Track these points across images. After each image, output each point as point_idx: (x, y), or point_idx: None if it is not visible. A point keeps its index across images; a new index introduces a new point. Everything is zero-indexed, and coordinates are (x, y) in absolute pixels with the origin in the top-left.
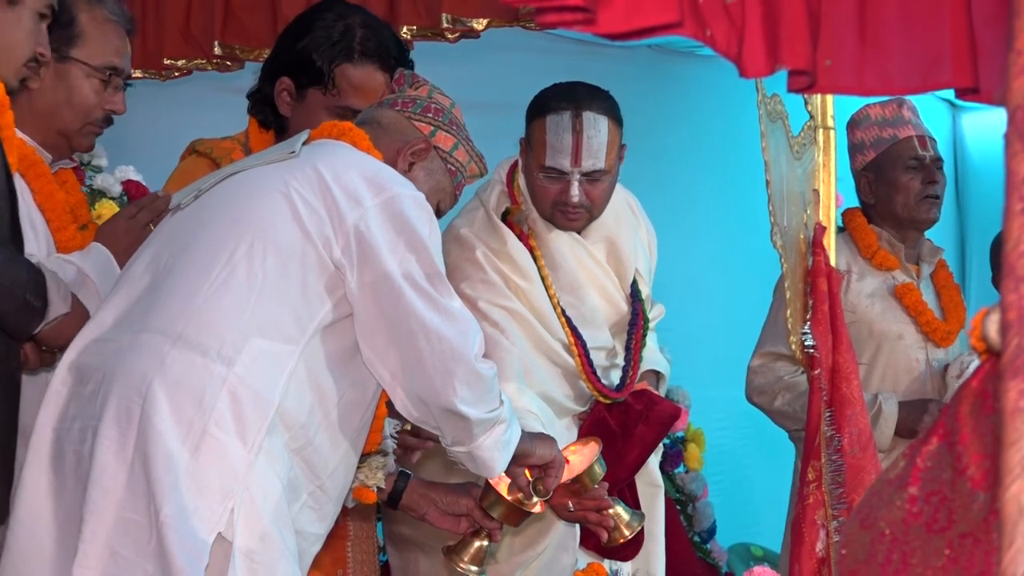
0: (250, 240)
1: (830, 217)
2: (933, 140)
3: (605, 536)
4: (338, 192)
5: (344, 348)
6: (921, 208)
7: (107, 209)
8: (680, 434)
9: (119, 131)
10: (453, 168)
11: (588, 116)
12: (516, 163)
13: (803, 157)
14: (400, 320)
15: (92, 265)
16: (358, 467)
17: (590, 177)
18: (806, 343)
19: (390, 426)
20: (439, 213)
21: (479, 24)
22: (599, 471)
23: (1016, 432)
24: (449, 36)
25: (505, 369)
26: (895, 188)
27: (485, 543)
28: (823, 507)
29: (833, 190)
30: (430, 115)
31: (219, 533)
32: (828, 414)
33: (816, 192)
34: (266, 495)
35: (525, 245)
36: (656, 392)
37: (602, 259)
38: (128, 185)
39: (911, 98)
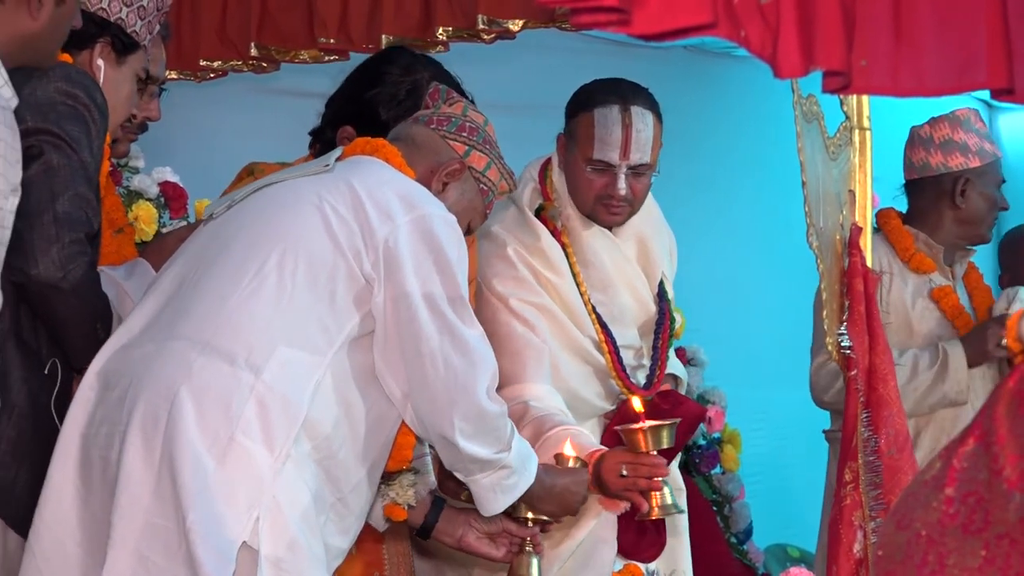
0: (281, 250)
1: (866, 218)
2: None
3: (645, 507)
4: (371, 207)
5: (372, 363)
6: (990, 227)
7: (144, 210)
8: (716, 435)
9: (155, 133)
10: (485, 188)
11: (636, 110)
12: (548, 161)
13: (839, 158)
14: (412, 339)
15: (135, 283)
16: (389, 484)
17: (635, 171)
18: (843, 344)
19: (425, 445)
20: (469, 231)
21: (515, 25)
22: (666, 440)
23: None
24: (485, 37)
25: (536, 370)
26: (989, 202)
27: (536, 558)
28: (860, 508)
29: (869, 191)
30: (464, 134)
31: (244, 542)
32: (865, 415)
33: (852, 193)
34: (293, 503)
35: (558, 241)
36: (680, 393)
37: (632, 257)
38: (165, 186)
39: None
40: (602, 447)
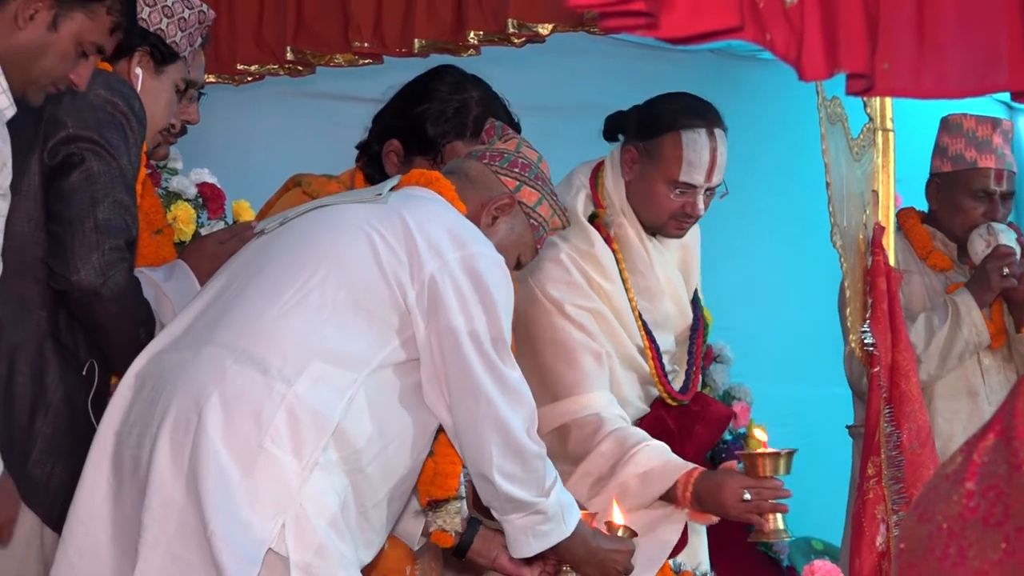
0: (326, 271)
1: (889, 218)
2: (1012, 173)
3: (768, 527)
4: (421, 241)
5: (410, 387)
6: (963, 231)
7: (182, 211)
8: (742, 430)
9: (194, 134)
10: (535, 223)
11: (719, 133)
12: (598, 166)
13: (862, 159)
14: (459, 375)
15: (174, 285)
16: (436, 512)
17: (709, 191)
18: (866, 341)
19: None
20: (519, 266)
21: (544, 29)
22: (783, 468)
23: None
24: (515, 41)
25: (597, 378)
26: (956, 209)
27: (573, 573)
28: (883, 502)
29: (892, 191)
30: (516, 170)
31: (271, 548)
32: (888, 411)
33: (875, 193)
34: (321, 510)
35: (609, 248)
36: (708, 396)
37: (676, 266)
38: (203, 187)
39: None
40: (697, 466)
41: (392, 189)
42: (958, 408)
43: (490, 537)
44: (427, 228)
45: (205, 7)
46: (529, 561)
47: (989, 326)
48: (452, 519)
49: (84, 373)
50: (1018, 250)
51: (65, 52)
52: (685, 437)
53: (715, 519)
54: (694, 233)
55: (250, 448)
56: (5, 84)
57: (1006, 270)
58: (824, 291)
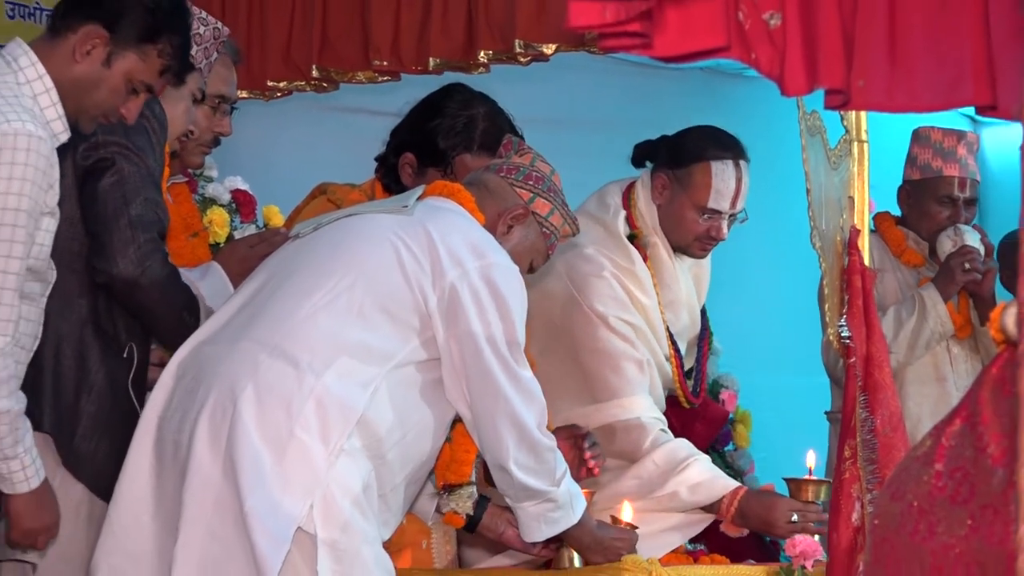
0: (354, 275)
1: (864, 221)
2: (975, 182)
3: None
4: (443, 251)
5: (429, 382)
6: (930, 234)
7: (217, 215)
8: (730, 416)
9: (228, 145)
10: (547, 231)
11: (743, 164)
12: (629, 187)
13: (839, 167)
14: (479, 375)
15: (208, 285)
16: (451, 495)
17: (733, 217)
18: (843, 334)
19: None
20: (531, 270)
21: (548, 49)
22: (824, 495)
23: None
24: (522, 60)
25: (638, 383)
26: (924, 214)
27: (576, 553)
28: (858, 481)
29: (867, 197)
30: (531, 183)
31: (300, 527)
32: (863, 398)
33: (851, 199)
34: (346, 491)
35: (645, 265)
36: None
37: (691, 280)
38: (236, 193)
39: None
40: (742, 485)
41: (418, 199)
42: (928, 392)
43: (498, 513)
44: (448, 239)
45: (219, 24)
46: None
47: (956, 318)
48: (464, 503)
49: (124, 356)
50: (982, 250)
51: (116, 88)
52: (686, 434)
53: (746, 532)
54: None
55: (282, 435)
56: (61, 111)
57: (967, 265)
58: (804, 288)
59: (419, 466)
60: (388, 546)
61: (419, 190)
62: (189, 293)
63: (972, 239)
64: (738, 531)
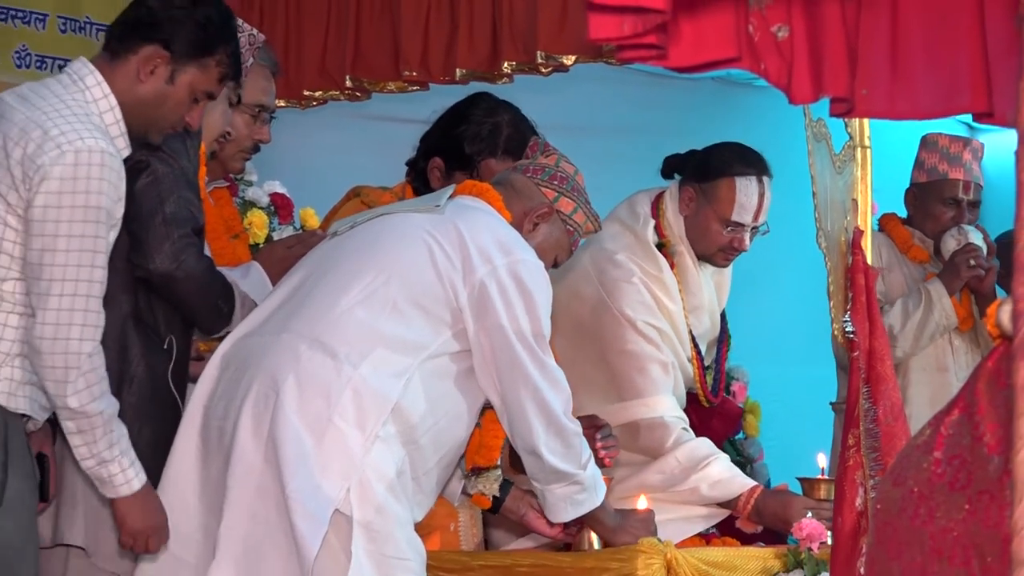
0: (389, 272)
1: (867, 223)
2: (979, 186)
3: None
4: (473, 249)
5: (462, 372)
6: (934, 234)
7: (257, 217)
8: (740, 405)
9: (266, 151)
10: (571, 228)
11: (766, 180)
12: (658, 198)
13: (844, 172)
14: (508, 366)
15: (249, 283)
16: (479, 478)
17: (755, 229)
18: (847, 329)
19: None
20: (555, 265)
21: (568, 60)
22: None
23: None
24: (543, 70)
25: (662, 383)
26: (929, 214)
27: (596, 535)
28: (861, 468)
29: (869, 199)
30: (555, 183)
31: (337, 509)
32: (866, 389)
33: (855, 201)
34: (381, 475)
35: (672, 274)
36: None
37: (713, 288)
38: (274, 197)
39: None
40: (758, 484)
41: (449, 198)
42: (929, 381)
43: (520, 497)
44: (478, 237)
45: (255, 31)
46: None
47: (959, 311)
48: (491, 485)
49: (165, 347)
50: (984, 248)
51: (181, 101)
52: (704, 428)
53: (760, 529)
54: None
55: (321, 422)
56: (124, 128)
57: (972, 262)
58: (810, 286)
59: (451, 451)
60: (418, 528)
61: (450, 189)
62: (224, 282)
63: (976, 238)
64: (753, 527)
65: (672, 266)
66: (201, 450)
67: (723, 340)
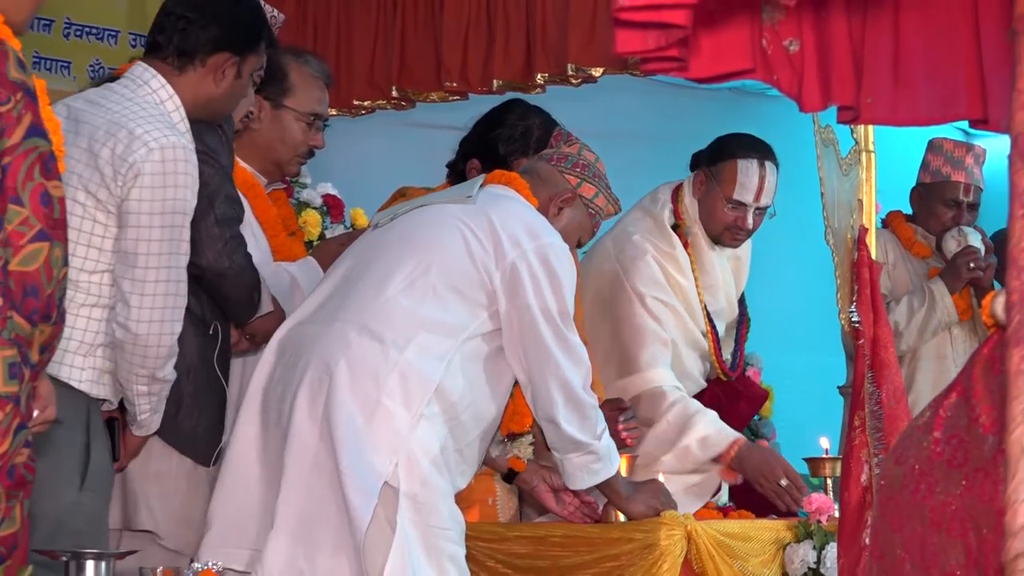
0: (428, 261)
1: (871, 221)
2: (979, 189)
3: (783, 509)
4: (503, 235)
5: (494, 350)
6: (936, 232)
7: (310, 217)
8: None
9: (320, 156)
10: (592, 212)
11: (768, 165)
12: (678, 188)
13: (850, 174)
14: (533, 342)
15: (306, 277)
16: (513, 443)
17: (759, 211)
18: (853, 319)
19: None
20: (579, 245)
21: (597, 71)
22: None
23: (1018, 389)
24: (573, 81)
25: (661, 358)
26: (932, 213)
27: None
28: (866, 447)
29: (874, 200)
30: (578, 170)
31: (386, 482)
32: (870, 374)
33: (860, 201)
34: (426, 451)
35: (685, 251)
36: (749, 378)
37: (729, 269)
38: (327, 198)
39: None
40: (742, 436)
41: (480, 186)
42: (932, 368)
43: (536, 470)
44: (507, 224)
45: (275, 11)
46: (560, 496)
47: (959, 303)
48: (525, 448)
49: (211, 333)
50: (982, 249)
51: (244, 88)
52: (730, 410)
53: (740, 479)
54: (746, 248)
55: (371, 403)
56: (187, 124)
57: (972, 264)
58: (819, 279)
59: (490, 423)
60: (459, 501)
61: (481, 179)
62: (257, 275)
63: (975, 239)
64: (734, 477)
65: (686, 245)
66: (261, 430)
67: (742, 321)
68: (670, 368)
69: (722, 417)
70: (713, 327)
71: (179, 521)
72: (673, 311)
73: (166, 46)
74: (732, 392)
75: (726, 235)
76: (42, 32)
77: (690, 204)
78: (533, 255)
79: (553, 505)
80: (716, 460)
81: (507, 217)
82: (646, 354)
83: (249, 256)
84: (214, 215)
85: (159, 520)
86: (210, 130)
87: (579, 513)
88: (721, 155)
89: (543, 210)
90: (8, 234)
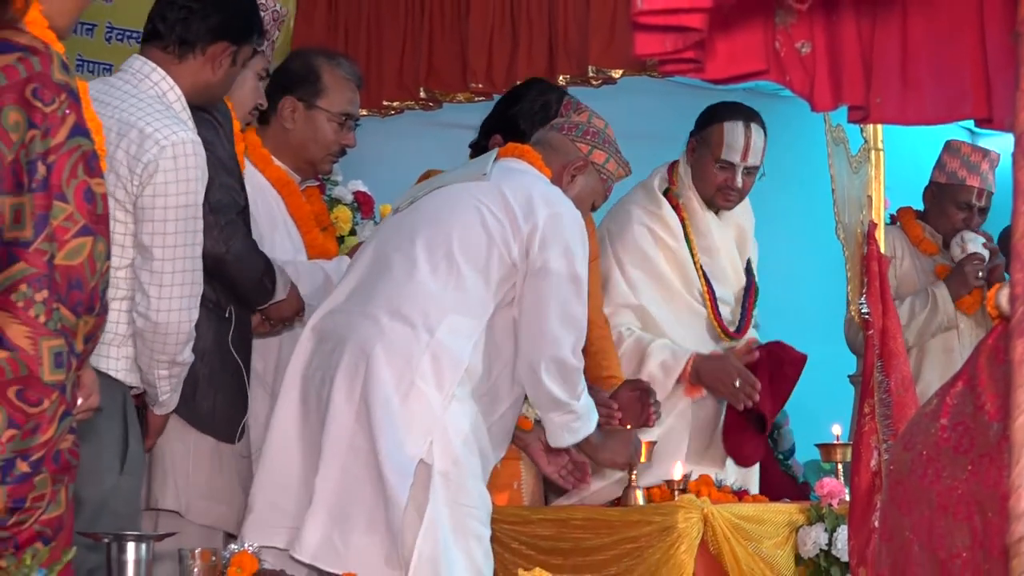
0: (449, 243)
1: (880, 217)
2: (990, 193)
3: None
4: (517, 209)
5: (509, 321)
6: (947, 232)
7: (341, 212)
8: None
9: (351, 155)
10: (604, 176)
11: (754, 126)
12: (675, 163)
13: (859, 171)
14: (536, 300)
15: (340, 275)
16: (526, 403)
17: (748, 171)
18: (862, 310)
19: None
20: (594, 209)
21: (616, 73)
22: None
23: (1022, 377)
24: (594, 82)
25: (629, 318)
26: (943, 213)
27: (639, 493)
28: (876, 433)
29: (882, 196)
30: (588, 137)
31: (421, 460)
32: (879, 364)
33: (869, 198)
34: (457, 431)
35: (678, 215)
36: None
37: (732, 238)
38: (358, 195)
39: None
40: (696, 351)
41: (495, 160)
42: (939, 358)
43: (533, 432)
44: (521, 197)
45: (278, 5)
46: (551, 457)
47: (965, 297)
48: (531, 409)
49: (226, 316)
50: (986, 254)
51: (238, 74)
52: (779, 375)
53: (704, 394)
54: (748, 218)
55: (405, 384)
56: (189, 112)
57: (980, 273)
58: (829, 273)
59: (518, 394)
60: (488, 486)
61: (494, 153)
62: (267, 261)
63: (977, 245)
64: (699, 392)
65: (678, 208)
66: (301, 413)
67: (750, 289)
68: (636, 324)
69: (771, 382)
70: (711, 287)
71: (207, 497)
72: (656, 279)
73: (167, 35)
74: (775, 359)
75: (718, 196)
76: (85, 36)
77: (684, 172)
78: (547, 223)
79: (545, 466)
80: (678, 381)
81: (520, 189)
82: (616, 313)
83: (252, 242)
84: (208, 204)
85: (186, 498)
86: (203, 122)
87: (566, 472)
88: (710, 120)
89: (556, 179)
90: (54, 229)
